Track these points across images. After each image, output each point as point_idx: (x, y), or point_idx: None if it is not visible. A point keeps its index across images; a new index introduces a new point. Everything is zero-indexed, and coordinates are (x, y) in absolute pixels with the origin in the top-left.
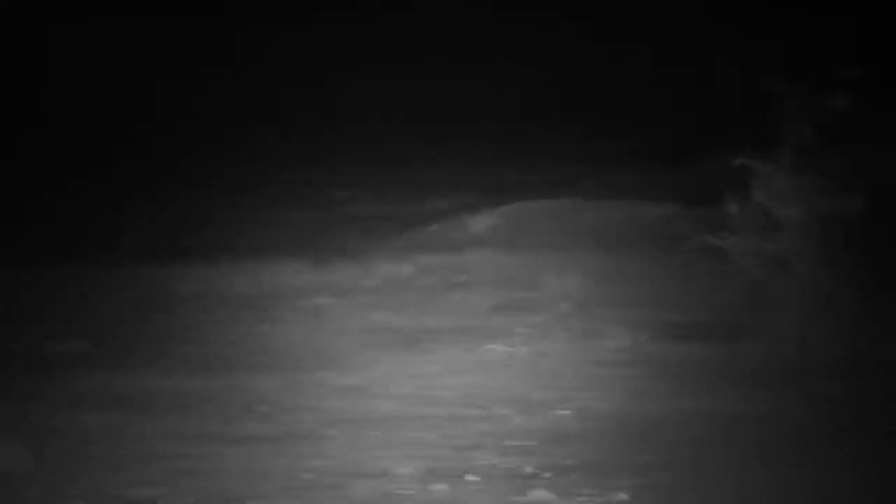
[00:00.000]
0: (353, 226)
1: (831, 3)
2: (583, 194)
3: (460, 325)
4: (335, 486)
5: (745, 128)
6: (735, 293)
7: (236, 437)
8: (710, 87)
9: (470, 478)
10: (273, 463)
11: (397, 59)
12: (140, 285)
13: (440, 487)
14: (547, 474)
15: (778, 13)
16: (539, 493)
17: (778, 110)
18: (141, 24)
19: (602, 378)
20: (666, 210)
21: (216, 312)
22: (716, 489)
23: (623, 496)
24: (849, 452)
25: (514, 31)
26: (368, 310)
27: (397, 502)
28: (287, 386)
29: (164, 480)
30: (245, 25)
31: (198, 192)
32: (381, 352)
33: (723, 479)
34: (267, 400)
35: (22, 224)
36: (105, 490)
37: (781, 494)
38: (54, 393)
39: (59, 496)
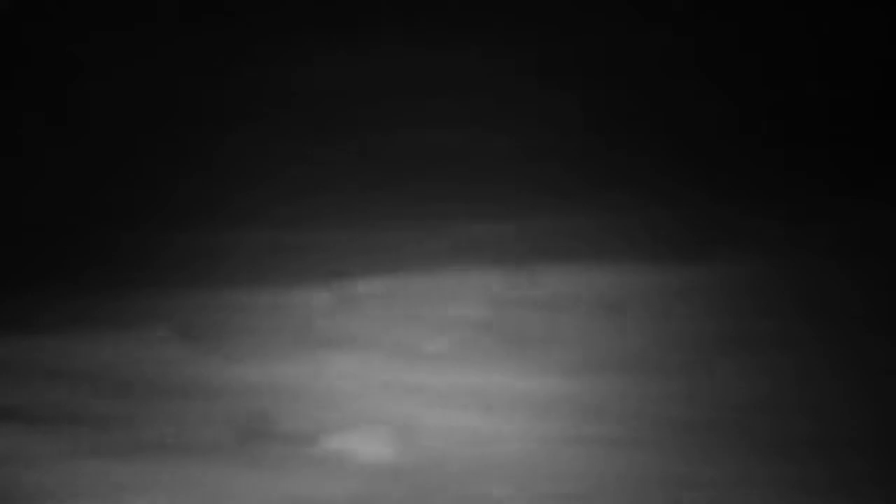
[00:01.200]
0: (693, 226)
1: None
2: None
3: (782, 328)
4: (673, 491)
5: None
6: None
7: (584, 438)
8: None
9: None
10: (617, 465)
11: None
12: (493, 285)
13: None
14: None
15: None
16: None
17: None
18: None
19: None
20: None
21: (572, 314)
22: None
23: None
24: None
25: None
26: (714, 314)
27: None
28: (634, 389)
29: (514, 480)
30: None
31: (554, 202)
32: (720, 357)
33: None
34: (612, 403)
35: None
36: (464, 488)
37: None
38: (418, 391)
39: (423, 491)
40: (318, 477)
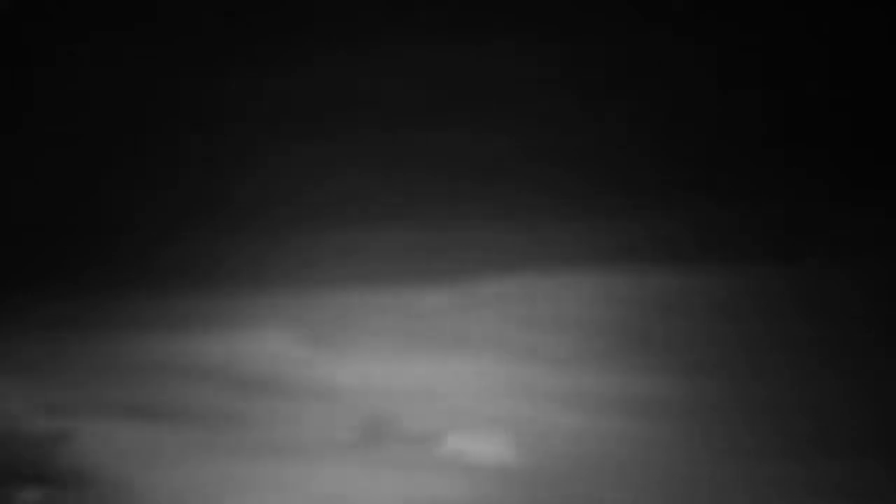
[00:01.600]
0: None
1: None
2: None
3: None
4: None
5: None
6: None
7: (698, 441)
8: None
9: None
10: (730, 472)
11: None
12: (610, 285)
13: None
14: None
15: None
16: None
17: None
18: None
19: None
20: None
21: (691, 317)
22: None
23: None
24: None
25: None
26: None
27: None
28: (738, 392)
29: (632, 482)
30: None
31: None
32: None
33: None
34: (724, 406)
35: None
36: (582, 488)
37: None
38: (539, 394)
39: (543, 494)
40: (436, 477)
